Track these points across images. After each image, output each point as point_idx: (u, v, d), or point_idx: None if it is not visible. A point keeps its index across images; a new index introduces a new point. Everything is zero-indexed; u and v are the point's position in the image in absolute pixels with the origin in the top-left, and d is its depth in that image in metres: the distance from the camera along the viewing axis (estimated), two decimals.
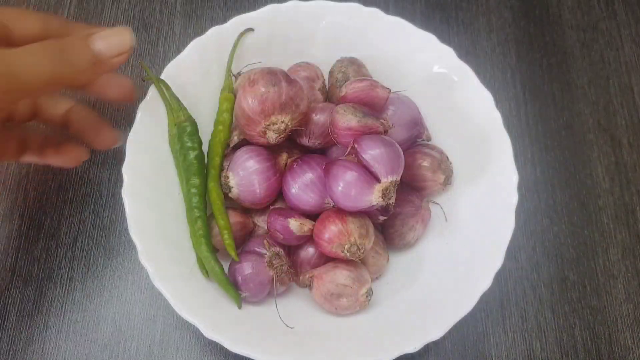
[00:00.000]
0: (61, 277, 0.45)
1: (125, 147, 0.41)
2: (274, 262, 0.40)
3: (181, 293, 0.38)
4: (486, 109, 0.44)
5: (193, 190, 0.41)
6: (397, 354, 0.37)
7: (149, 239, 0.39)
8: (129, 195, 0.40)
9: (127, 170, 0.40)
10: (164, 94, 0.42)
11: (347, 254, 0.38)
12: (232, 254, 0.40)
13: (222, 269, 0.40)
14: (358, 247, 0.38)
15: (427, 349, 0.43)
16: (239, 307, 0.40)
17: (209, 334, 0.37)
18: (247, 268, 0.40)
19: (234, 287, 0.40)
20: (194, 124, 0.42)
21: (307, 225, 0.40)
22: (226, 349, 0.36)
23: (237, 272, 0.40)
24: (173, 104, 0.42)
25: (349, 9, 0.47)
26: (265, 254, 0.40)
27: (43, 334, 0.43)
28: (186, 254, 0.41)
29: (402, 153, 0.38)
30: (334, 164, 0.38)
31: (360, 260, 0.39)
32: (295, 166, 0.41)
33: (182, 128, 0.42)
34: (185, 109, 0.43)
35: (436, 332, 0.38)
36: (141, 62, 0.48)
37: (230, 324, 0.38)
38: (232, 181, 0.41)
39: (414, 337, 0.38)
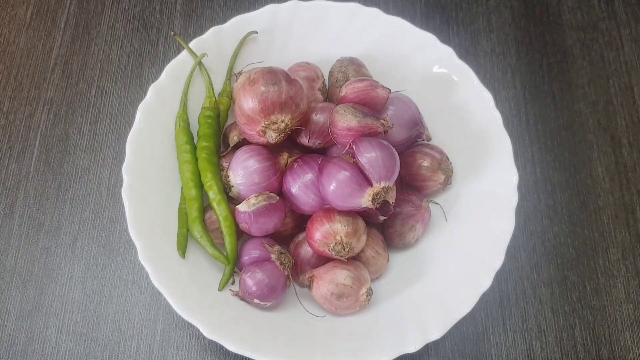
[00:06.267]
0: (61, 277, 0.45)
1: (125, 147, 0.41)
2: (283, 260, 0.40)
3: (181, 293, 0.38)
4: (486, 109, 0.44)
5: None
6: (397, 354, 0.37)
7: (149, 239, 0.39)
8: (129, 195, 0.40)
9: (127, 170, 0.40)
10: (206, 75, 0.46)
11: (333, 253, 0.38)
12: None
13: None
14: (343, 245, 0.38)
15: (427, 349, 0.43)
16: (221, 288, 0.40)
17: (209, 334, 0.37)
18: (259, 274, 0.39)
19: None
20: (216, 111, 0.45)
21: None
22: (226, 349, 0.36)
23: (251, 282, 0.39)
24: (208, 86, 0.45)
25: (349, 9, 0.47)
26: (271, 256, 0.40)
27: (43, 334, 0.43)
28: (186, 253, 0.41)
29: (398, 159, 0.38)
30: (328, 162, 0.38)
31: (350, 258, 0.39)
32: (295, 166, 0.41)
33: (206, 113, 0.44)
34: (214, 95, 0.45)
35: (436, 332, 0.38)
36: (176, 35, 0.47)
37: (230, 324, 0.38)
38: (233, 180, 0.41)
39: (414, 337, 0.38)
